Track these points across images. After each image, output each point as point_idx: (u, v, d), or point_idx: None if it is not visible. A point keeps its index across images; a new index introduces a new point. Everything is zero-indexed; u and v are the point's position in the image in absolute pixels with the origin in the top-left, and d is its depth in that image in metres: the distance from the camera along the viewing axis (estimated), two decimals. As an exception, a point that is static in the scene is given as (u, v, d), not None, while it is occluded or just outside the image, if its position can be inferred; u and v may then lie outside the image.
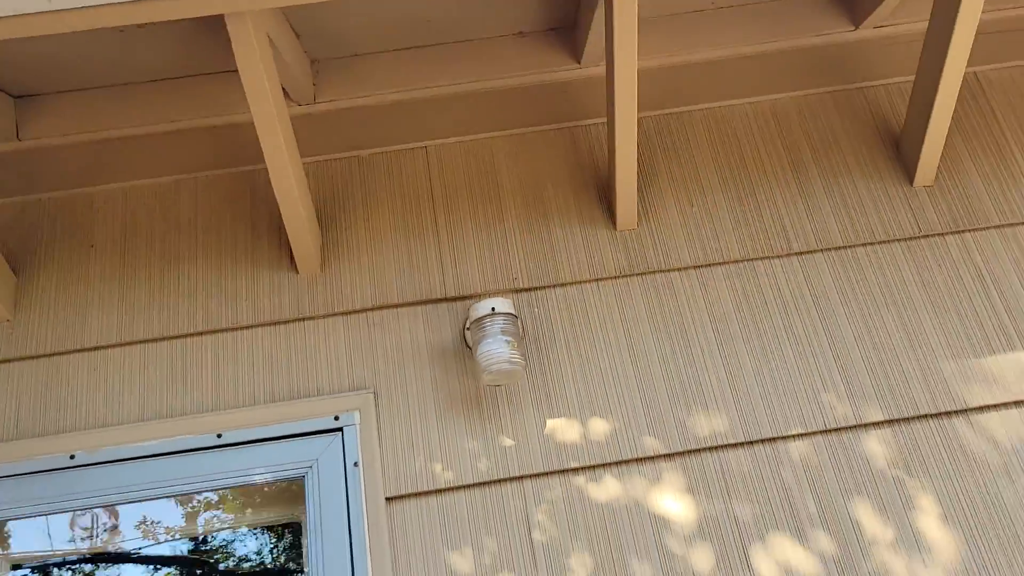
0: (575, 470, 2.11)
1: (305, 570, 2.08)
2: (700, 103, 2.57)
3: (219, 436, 2.13)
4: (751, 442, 2.12)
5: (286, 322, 2.28)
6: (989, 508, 2.05)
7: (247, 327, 2.27)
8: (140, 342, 2.26)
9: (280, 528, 2.60)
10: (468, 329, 2.18)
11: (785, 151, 2.50)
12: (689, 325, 2.26)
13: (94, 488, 2.09)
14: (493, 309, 2.13)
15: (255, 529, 2.62)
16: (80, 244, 2.41)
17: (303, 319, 2.29)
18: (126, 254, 2.39)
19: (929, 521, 2.03)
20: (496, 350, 2.08)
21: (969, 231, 2.37)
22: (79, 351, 2.25)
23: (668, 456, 2.11)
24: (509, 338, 2.11)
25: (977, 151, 2.49)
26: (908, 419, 2.14)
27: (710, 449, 2.12)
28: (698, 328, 2.25)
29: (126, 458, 2.11)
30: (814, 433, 2.13)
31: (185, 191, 2.47)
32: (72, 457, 2.11)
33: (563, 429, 2.14)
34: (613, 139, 2.21)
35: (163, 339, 2.26)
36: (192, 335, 2.26)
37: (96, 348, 2.26)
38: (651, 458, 2.11)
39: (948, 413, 2.15)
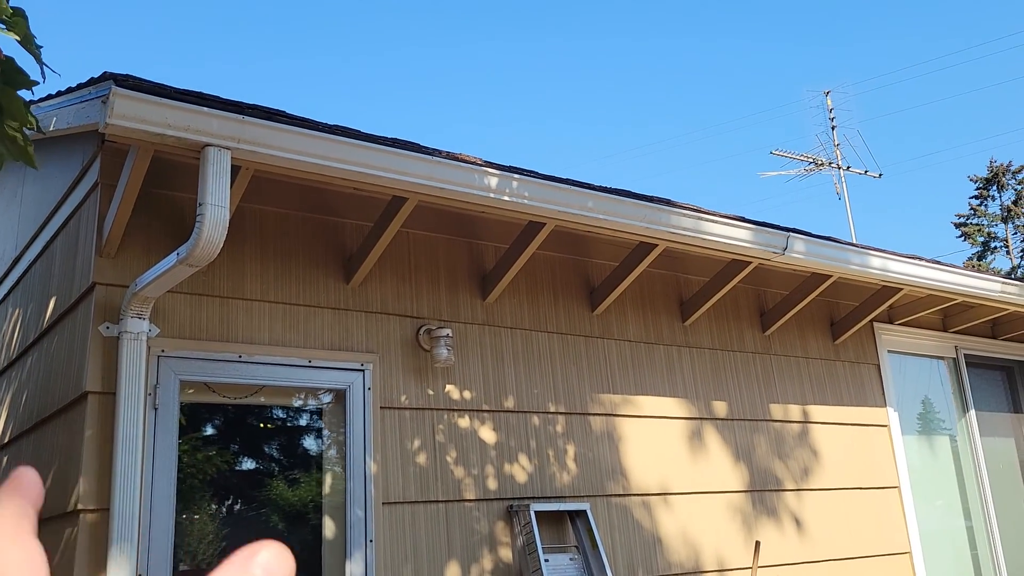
0: (462, 411, 4.74)
1: (345, 432, 4.41)
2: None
3: (309, 361, 4.37)
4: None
5: (333, 309, 4.55)
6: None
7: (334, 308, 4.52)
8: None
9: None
10: (422, 335, 4.68)
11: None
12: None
13: (250, 375, 4.21)
14: (448, 334, 4.66)
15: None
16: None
17: (346, 309, 4.58)
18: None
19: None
20: (443, 353, 4.62)
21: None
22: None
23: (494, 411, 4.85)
24: (450, 349, 4.66)
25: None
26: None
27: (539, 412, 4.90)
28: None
29: (264, 362, 4.26)
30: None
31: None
32: (239, 356, 4.19)
33: (459, 390, 4.76)
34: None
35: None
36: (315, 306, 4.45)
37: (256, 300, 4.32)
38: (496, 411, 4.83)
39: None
